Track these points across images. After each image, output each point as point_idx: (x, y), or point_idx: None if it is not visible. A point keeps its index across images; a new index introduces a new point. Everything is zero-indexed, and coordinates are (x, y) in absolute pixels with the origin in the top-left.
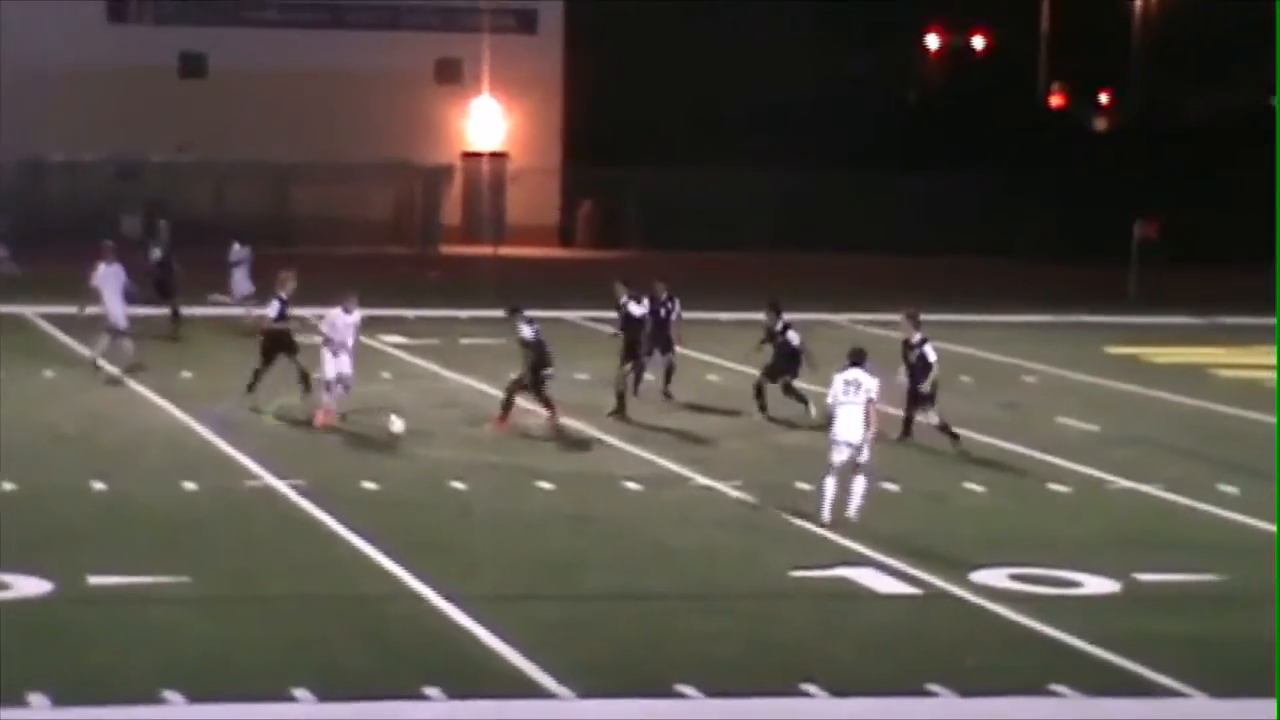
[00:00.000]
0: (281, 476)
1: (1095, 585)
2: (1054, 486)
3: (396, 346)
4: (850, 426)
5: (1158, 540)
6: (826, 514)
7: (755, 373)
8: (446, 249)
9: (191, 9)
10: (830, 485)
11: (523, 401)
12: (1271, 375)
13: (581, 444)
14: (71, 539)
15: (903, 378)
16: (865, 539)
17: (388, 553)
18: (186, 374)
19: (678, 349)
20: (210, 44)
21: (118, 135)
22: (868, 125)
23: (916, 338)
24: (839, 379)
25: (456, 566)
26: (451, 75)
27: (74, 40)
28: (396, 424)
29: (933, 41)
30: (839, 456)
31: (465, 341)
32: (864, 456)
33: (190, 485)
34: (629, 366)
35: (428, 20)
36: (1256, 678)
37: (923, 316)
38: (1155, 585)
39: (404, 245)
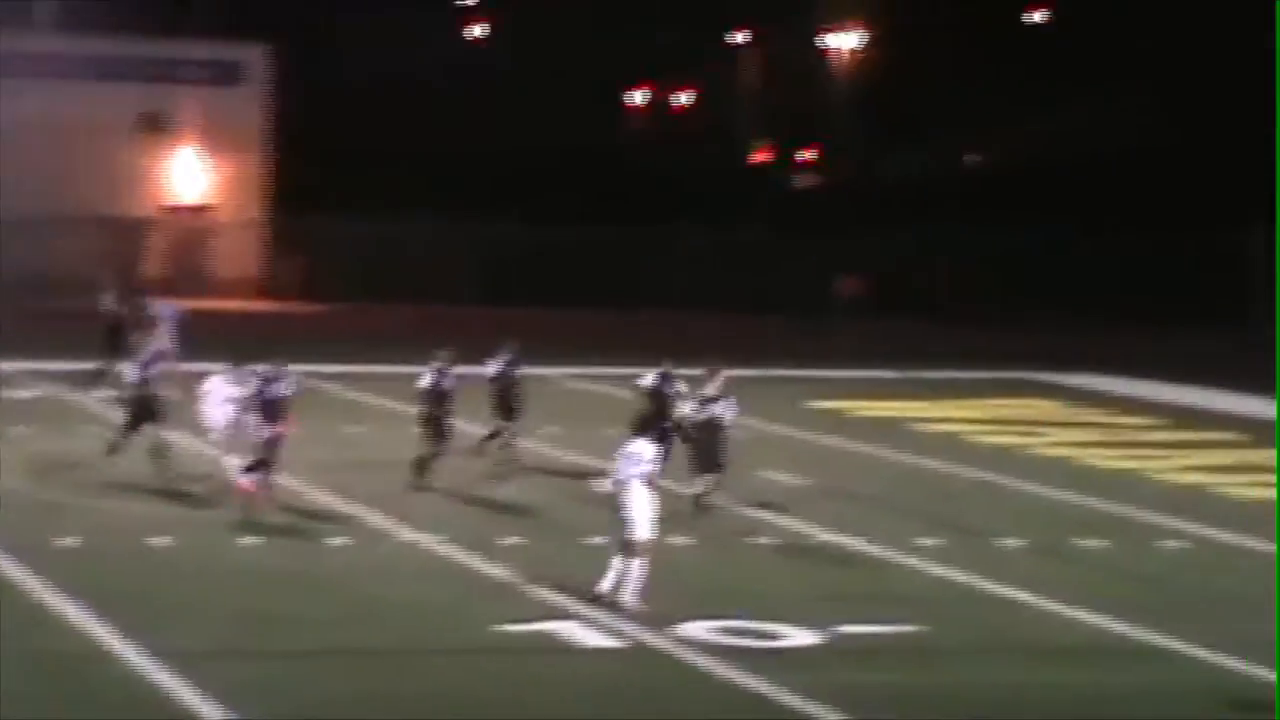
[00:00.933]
0: None
1: (799, 638)
2: (758, 540)
3: (102, 401)
4: (627, 501)
5: (860, 593)
6: (604, 585)
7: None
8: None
9: None
10: (617, 562)
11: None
12: (968, 429)
13: (288, 500)
14: None
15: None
16: (571, 593)
17: (87, 610)
18: None
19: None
20: None
21: None
22: (575, 180)
23: (712, 391)
24: (621, 453)
25: (158, 623)
26: (154, 127)
27: None
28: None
29: (639, 97)
30: (619, 533)
31: (166, 394)
32: (638, 534)
33: None
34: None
35: (130, 71)
36: None
37: (614, 371)
38: (857, 637)
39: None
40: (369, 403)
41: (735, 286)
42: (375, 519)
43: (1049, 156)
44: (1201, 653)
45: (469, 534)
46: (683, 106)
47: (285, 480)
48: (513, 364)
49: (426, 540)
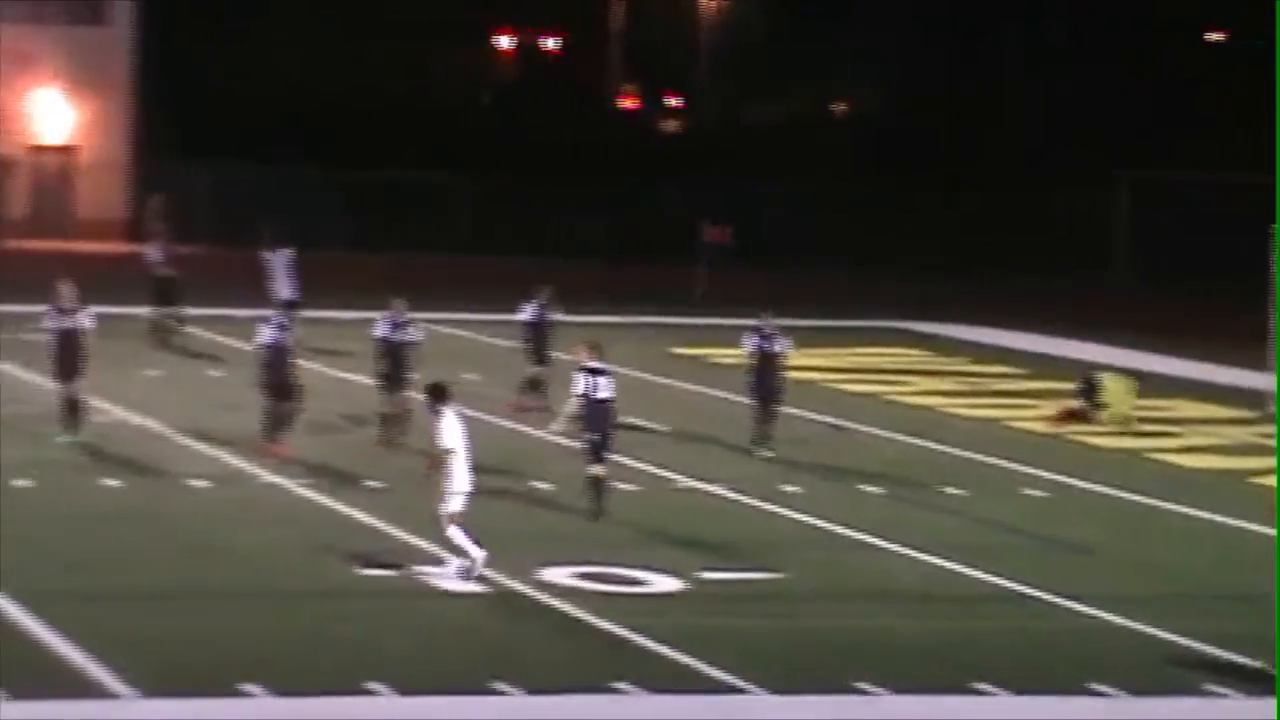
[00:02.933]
0: None
1: (660, 583)
2: (622, 486)
3: None
4: (466, 474)
5: (721, 539)
6: (481, 562)
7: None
8: (12, 243)
9: None
10: (461, 535)
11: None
12: (831, 377)
13: (150, 441)
14: None
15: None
16: (433, 537)
17: None
18: None
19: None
20: None
21: None
22: (443, 125)
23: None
24: (454, 422)
25: (15, 564)
26: (18, 65)
27: None
28: None
29: (505, 42)
30: (459, 506)
31: (28, 337)
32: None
33: None
34: None
35: None
36: (814, 674)
37: (489, 317)
38: (718, 583)
39: None
40: (230, 345)
41: (602, 233)
42: (236, 461)
43: (909, 110)
44: (1061, 601)
45: (331, 476)
46: (550, 51)
47: (147, 422)
48: (546, 309)
49: (288, 482)
